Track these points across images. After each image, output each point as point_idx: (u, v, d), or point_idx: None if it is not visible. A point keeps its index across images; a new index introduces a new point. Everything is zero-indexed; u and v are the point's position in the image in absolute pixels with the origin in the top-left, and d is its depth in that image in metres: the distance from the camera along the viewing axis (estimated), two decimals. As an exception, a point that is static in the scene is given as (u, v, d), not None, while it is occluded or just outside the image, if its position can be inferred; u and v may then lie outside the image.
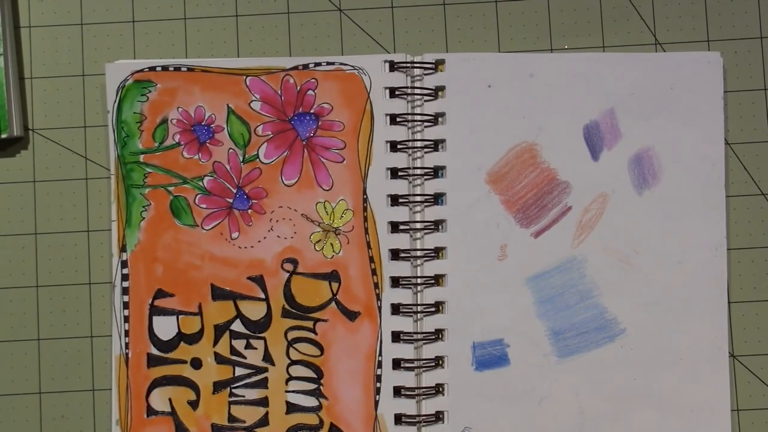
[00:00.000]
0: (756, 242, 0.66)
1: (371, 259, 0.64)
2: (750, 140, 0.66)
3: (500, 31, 0.67)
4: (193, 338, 0.64)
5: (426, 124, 0.65)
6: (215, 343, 0.64)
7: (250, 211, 0.64)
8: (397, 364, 0.64)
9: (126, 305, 0.64)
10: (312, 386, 0.64)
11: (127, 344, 0.64)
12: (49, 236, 0.66)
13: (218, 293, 0.64)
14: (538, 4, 0.67)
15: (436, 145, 0.65)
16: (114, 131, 0.64)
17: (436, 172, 0.65)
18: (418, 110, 0.65)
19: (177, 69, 0.65)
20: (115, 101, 0.65)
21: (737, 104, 0.66)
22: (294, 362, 0.64)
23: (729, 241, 0.65)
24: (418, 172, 0.64)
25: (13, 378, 0.65)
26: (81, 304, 0.65)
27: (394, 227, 0.64)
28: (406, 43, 0.67)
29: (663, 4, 0.67)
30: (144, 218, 0.64)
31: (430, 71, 0.65)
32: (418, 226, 0.64)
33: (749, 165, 0.66)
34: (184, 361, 0.64)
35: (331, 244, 0.64)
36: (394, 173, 0.65)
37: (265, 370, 0.64)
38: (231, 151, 0.65)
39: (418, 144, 0.64)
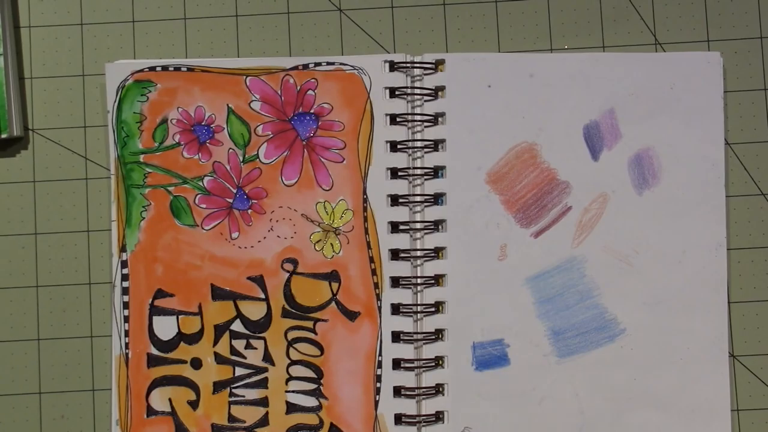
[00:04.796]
0: (756, 242, 0.66)
1: (371, 259, 0.64)
2: (750, 140, 0.66)
3: (500, 31, 0.67)
4: (193, 338, 0.64)
5: (426, 124, 0.65)
6: (215, 343, 0.64)
7: (250, 211, 0.64)
8: (397, 364, 0.64)
9: (126, 305, 0.64)
10: (312, 386, 0.64)
11: (127, 344, 0.64)
12: (49, 236, 0.66)
13: (218, 293, 0.64)
14: (538, 4, 0.67)
15: (436, 145, 0.65)
16: (114, 131, 0.65)
17: (436, 172, 0.65)
18: (418, 110, 0.65)
19: (177, 69, 0.65)
20: (115, 101, 0.65)
21: (737, 104, 0.66)
22: (294, 362, 0.64)
23: (729, 241, 0.65)
24: (418, 172, 0.64)
25: (13, 378, 0.65)
26: (81, 304, 0.65)
27: (394, 227, 0.64)
28: (406, 43, 0.67)
29: (663, 4, 0.67)
30: (144, 218, 0.64)
31: (430, 71, 0.65)
32: (418, 226, 0.64)
33: (749, 165, 0.66)
34: (184, 361, 0.64)
35: (331, 244, 0.64)
36: (394, 173, 0.65)
37: (265, 370, 0.64)
38: (231, 151, 0.65)
39: (418, 144, 0.64)
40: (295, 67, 0.65)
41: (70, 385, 0.65)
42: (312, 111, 0.65)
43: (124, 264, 0.64)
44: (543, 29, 0.67)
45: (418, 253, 0.64)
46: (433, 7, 0.67)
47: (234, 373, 0.64)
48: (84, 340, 0.65)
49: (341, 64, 0.65)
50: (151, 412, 0.64)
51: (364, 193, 0.64)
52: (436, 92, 0.65)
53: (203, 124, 0.65)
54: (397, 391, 0.64)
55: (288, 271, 0.64)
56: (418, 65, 0.65)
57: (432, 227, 0.64)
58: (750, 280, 0.66)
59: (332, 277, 0.64)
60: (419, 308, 0.64)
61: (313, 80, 0.65)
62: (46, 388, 0.65)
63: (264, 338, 0.64)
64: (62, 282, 0.65)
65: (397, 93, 0.65)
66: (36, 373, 0.65)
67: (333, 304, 0.64)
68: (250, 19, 0.67)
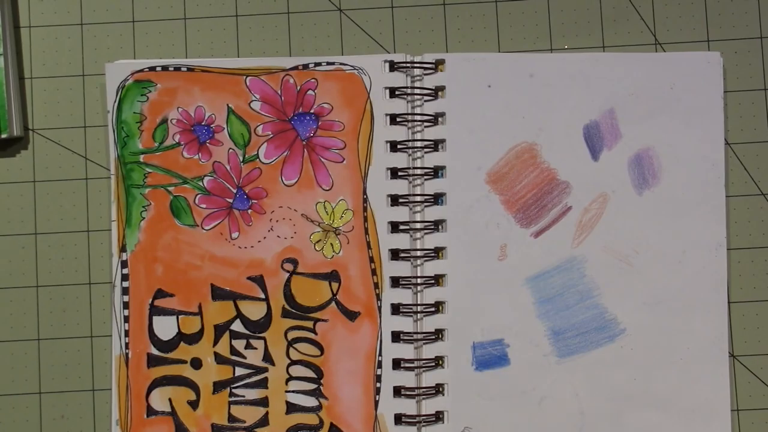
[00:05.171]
0: (756, 242, 0.66)
1: (371, 259, 0.64)
2: (750, 140, 0.66)
3: (500, 31, 0.67)
4: (193, 338, 0.64)
5: (426, 124, 0.65)
6: (215, 343, 0.64)
7: (250, 211, 0.64)
8: (397, 364, 0.64)
9: (126, 305, 0.64)
10: (312, 386, 0.64)
11: (127, 344, 0.64)
12: (49, 236, 0.66)
13: (218, 293, 0.64)
14: (538, 4, 0.67)
15: (436, 145, 0.65)
16: (114, 131, 0.65)
17: (436, 172, 0.65)
18: (418, 110, 0.65)
19: (177, 69, 0.65)
20: (115, 101, 0.65)
21: (737, 104, 0.66)
22: (294, 362, 0.64)
23: (729, 241, 0.65)
24: (418, 172, 0.64)
25: (13, 378, 0.65)
26: (81, 304, 0.65)
27: (394, 227, 0.64)
28: (406, 43, 0.67)
29: (663, 4, 0.67)
30: (144, 218, 0.64)
31: (430, 71, 0.65)
32: (418, 226, 0.64)
33: (749, 165, 0.66)
34: (184, 361, 0.64)
35: (331, 244, 0.64)
36: (394, 173, 0.65)
37: (265, 370, 0.64)
38: (231, 151, 0.65)
39: (418, 144, 0.64)
40: (295, 67, 0.65)
41: (70, 385, 0.65)
42: (312, 111, 0.65)
43: (124, 264, 0.64)
44: (543, 29, 0.67)
45: (418, 253, 0.64)
46: (433, 7, 0.67)
47: (234, 373, 0.64)
48: (84, 340, 0.65)
49: (341, 64, 0.65)
50: (151, 412, 0.64)
51: (364, 193, 0.64)
52: (436, 92, 0.65)
53: (203, 124, 0.65)
54: (397, 391, 0.64)
55: (288, 271, 0.64)
56: (418, 65, 0.65)
57: (432, 227, 0.64)
58: (750, 280, 0.66)
59: (332, 277, 0.64)
60: (419, 308, 0.64)
61: (313, 80, 0.65)
62: (46, 388, 0.65)
63: (264, 338, 0.64)
64: (62, 282, 0.65)
65: (397, 93, 0.65)
66: (36, 373, 0.65)
67: (333, 304, 0.64)
68: (250, 19, 0.67)
